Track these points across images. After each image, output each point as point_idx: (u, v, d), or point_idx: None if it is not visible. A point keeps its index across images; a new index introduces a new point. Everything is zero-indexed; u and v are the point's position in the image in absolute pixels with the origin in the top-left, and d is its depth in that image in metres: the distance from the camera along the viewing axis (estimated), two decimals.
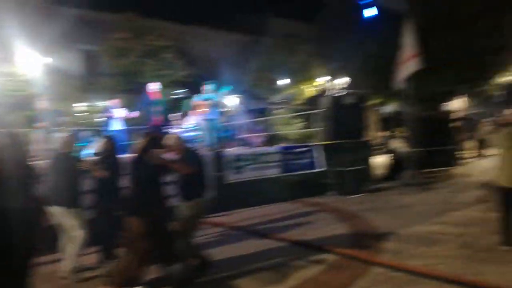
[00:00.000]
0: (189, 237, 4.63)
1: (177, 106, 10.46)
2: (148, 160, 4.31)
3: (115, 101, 11.43)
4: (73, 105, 17.61)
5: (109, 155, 5.42)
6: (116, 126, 10.83)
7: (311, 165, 10.36)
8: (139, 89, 20.34)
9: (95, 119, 17.83)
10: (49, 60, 17.80)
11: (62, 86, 17.62)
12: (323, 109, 11.78)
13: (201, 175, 4.76)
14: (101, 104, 19.83)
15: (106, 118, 11.17)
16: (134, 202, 4.36)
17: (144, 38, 19.10)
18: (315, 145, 10.71)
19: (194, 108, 10.84)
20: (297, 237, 6.24)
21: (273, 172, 9.69)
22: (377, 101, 25.11)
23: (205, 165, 4.96)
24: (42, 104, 9.67)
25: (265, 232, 6.80)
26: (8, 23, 16.48)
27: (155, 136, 4.71)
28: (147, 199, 4.29)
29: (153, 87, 10.27)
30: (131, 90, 18.92)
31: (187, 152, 4.73)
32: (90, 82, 20.23)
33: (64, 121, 10.12)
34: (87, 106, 19.29)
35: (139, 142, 4.63)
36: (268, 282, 4.49)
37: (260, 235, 6.67)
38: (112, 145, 5.55)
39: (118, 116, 10.90)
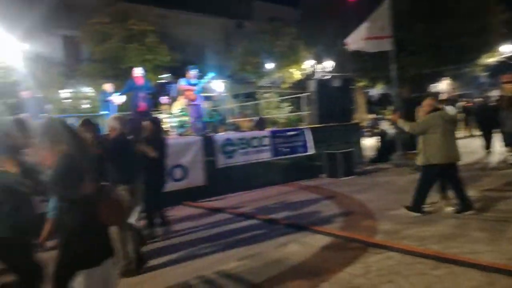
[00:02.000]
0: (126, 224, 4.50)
1: (163, 91, 10.23)
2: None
3: (109, 86, 11.08)
4: (58, 91, 17.21)
5: (155, 136, 5.75)
6: (110, 111, 10.57)
7: (302, 148, 10.35)
8: (123, 75, 20.00)
9: (80, 106, 17.53)
10: (28, 46, 17.30)
11: (43, 73, 17.19)
12: (310, 92, 11.75)
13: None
14: (85, 90, 19.47)
15: (103, 102, 10.84)
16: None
17: (125, 22, 18.64)
18: (305, 128, 10.68)
19: (180, 93, 10.65)
20: (290, 220, 6.23)
21: (263, 156, 9.64)
22: (364, 83, 25.18)
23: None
24: (25, 91, 9.37)
25: (256, 214, 6.77)
26: None
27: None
28: None
29: (138, 72, 9.98)
30: (115, 76, 18.57)
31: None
32: (72, 69, 19.77)
33: (49, 108, 9.81)
34: (71, 92, 18.90)
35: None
36: (262, 265, 4.46)
37: (251, 217, 6.65)
38: (157, 127, 5.95)
39: (119, 101, 10.57)
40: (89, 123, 5.10)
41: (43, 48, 18.90)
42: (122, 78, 19.86)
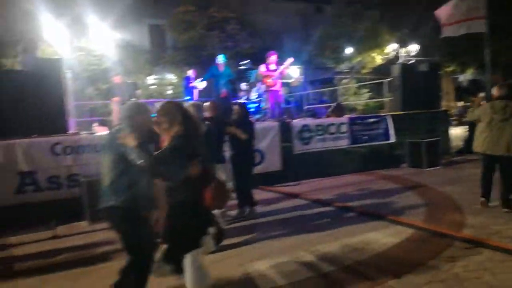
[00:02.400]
0: None
1: (242, 78, 10.43)
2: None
3: (191, 72, 11.60)
4: (145, 78, 18.28)
5: (243, 120, 6.05)
6: (190, 97, 11.10)
7: (382, 136, 9.97)
8: (205, 62, 20.69)
9: (165, 91, 18.51)
10: (118, 35, 18.56)
11: (132, 60, 18.36)
12: (393, 78, 11.24)
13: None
14: (169, 76, 20.50)
15: (186, 88, 11.41)
16: None
17: (207, 10, 19.18)
18: (386, 115, 10.27)
19: (259, 79, 10.80)
20: (369, 209, 6.09)
21: (341, 143, 9.46)
22: (452, 68, 23.50)
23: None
24: (116, 77, 10.10)
25: (333, 201, 6.71)
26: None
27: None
28: None
29: (220, 59, 10.31)
30: (197, 63, 19.27)
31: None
32: (157, 56, 20.84)
33: (138, 94, 10.49)
34: (156, 79, 20.00)
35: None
36: (342, 252, 4.42)
37: (327, 204, 6.60)
38: (245, 111, 6.24)
39: (201, 87, 11.07)
40: (197, 105, 5.37)
41: (132, 37, 20.17)
42: (203, 65, 20.65)
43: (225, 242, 4.70)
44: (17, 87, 6.58)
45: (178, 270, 3.13)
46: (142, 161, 2.84)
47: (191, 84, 11.23)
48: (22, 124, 6.57)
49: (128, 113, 3.14)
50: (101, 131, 8.65)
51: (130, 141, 2.89)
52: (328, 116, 10.71)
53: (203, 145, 3.20)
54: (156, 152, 2.95)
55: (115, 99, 9.85)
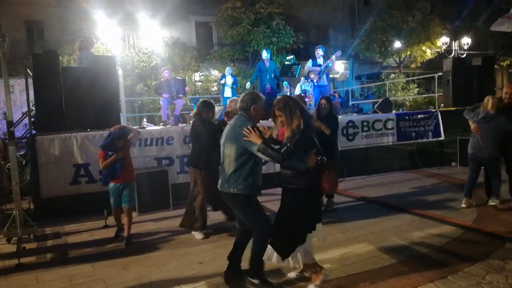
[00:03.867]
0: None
1: (287, 73, 10.42)
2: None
3: (226, 70, 11.89)
4: (191, 74, 18.71)
5: (329, 114, 6.05)
6: (227, 93, 11.26)
7: (431, 133, 9.62)
8: (251, 57, 20.86)
9: (211, 88, 18.87)
10: (167, 32, 19.10)
11: (180, 57, 18.84)
12: (444, 72, 10.81)
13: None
14: (214, 73, 20.85)
15: (220, 86, 11.68)
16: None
17: (254, 6, 19.28)
18: (436, 111, 9.90)
19: (304, 74, 10.75)
20: (415, 207, 5.92)
21: (388, 140, 9.23)
22: (508, 62, 22.20)
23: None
24: (164, 74, 10.40)
25: (377, 199, 6.58)
26: None
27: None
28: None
29: (265, 55, 10.38)
30: (242, 59, 19.50)
31: None
32: (204, 53, 21.24)
33: (187, 90, 10.76)
34: (202, 75, 20.42)
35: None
36: (387, 250, 4.35)
37: (371, 202, 6.49)
38: (331, 105, 6.21)
39: (229, 83, 11.31)
40: (208, 104, 5.44)
41: (179, 34, 20.69)
42: (248, 61, 20.84)
43: None
44: (74, 83, 6.93)
45: (285, 253, 3.51)
46: (268, 156, 3.27)
47: (222, 81, 11.46)
48: (78, 118, 6.93)
49: (245, 104, 3.49)
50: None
51: (256, 140, 3.27)
52: (374, 112, 10.48)
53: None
54: (283, 149, 3.32)
55: (164, 95, 10.15)
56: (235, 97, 7.36)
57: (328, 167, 3.48)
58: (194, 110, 5.59)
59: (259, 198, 3.62)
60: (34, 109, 7.08)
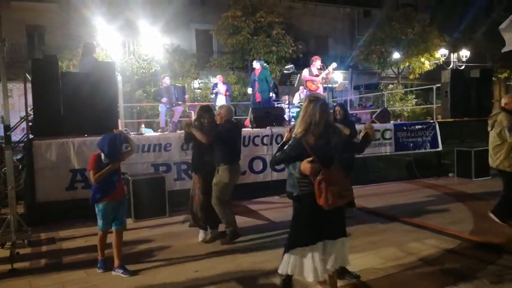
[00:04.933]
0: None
1: (286, 82, 10.45)
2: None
3: (219, 78, 11.97)
4: (191, 81, 18.74)
5: (346, 119, 6.09)
6: (220, 101, 11.32)
7: (429, 144, 9.64)
8: (250, 66, 20.92)
9: (210, 95, 18.90)
10: (167, 39, 19.15)
11: (179, 64, 18.89)
12: (442, 84, 10.87)
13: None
14: (214, 80, 20.92)
15: (213, 94, 11.75)
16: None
17: (254, 15, 19.39)
18: (434, 122, 9.93)
19: (302, 83, 10.78)
20: (412, 218, 5.91)
21: (386, 149, 9.24)
22: (506, 75, 22.33)
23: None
24: (165, 81, 10.43)
25: (374, 210, 6.56)
26: (132, 4, 18.01)
27: None
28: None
29: (255, 64, 10.43)
30: (242, 67, 19.56)
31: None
32: (203, 60, 21.32)
33: (186, 97, 10.80)
34: (201, 82, 20.46)
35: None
36: (383, 261, 4.33)
37: (369, 212, 6.47)
38: (346, 111, 6.34)
39: (222, 91, 11.40)
40: (208, 110, 5.48)
41: (179, 41, 20.76)
42: (248, 70, 20.89)
43: None
44: (73, 88, 6.93)
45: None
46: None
47: (214, 90, 11.60)
48: (76, 123, 6.92)
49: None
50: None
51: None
52: (372, 122, 10.50)
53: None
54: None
55: (163, 100, 10.17)
56: (225, 104, 7.37)
57: (329, 179, 3.15)
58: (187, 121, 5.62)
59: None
60: (32, 113, 7.07)
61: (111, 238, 4.35)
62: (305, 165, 3.15)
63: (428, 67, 21.64)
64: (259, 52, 18.64)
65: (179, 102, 10.32)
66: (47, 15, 23.46)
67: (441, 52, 20.45)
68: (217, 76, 12.23)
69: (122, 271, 4.23)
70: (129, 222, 6.27)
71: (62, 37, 22.21)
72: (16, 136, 8.60)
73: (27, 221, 5.51)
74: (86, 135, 6.89)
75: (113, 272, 4.24)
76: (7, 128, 5.36)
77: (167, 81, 10.51)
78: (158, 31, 17.52)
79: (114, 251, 4.31)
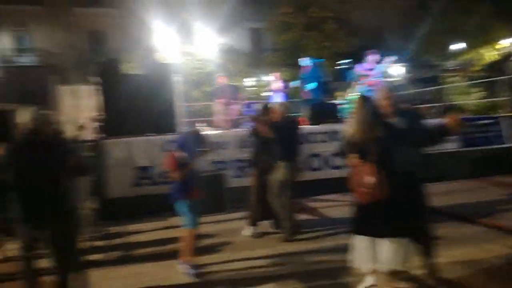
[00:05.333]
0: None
1: (340, 78, 10.31)
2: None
3: (276, 75, 11.94)
4: (244, 80, 18.95)
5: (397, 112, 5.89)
6: (277, 99, 11.32)
7: (496, 139, 9.10)
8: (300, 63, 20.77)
9: (262, 93, 19.02)
10: (221, 39, 19.50)
11: (233, 63, 19.16)
12: (510, 76, 10.22)
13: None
14: (266, 78, 21.00)
15: (269, 92, 11.77)
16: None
17: (307, 11, 19.24)
18: (501, 116, 9.35)
19: (358, 79, 10.55)
20: (483, 218, 5.62)
21: (451, 146, 8.81)
22: None
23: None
24: (220, 80, 10.62)
25: (441, 209, 6.29)
26: (188, 6, 18.50)
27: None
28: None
29: (304, 62, 10.36)
30: (295, 64, 19.46)
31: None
32: (256, 59, 21.47)
33: (242, 96, 10.95)
34: (255, 81, 20.62)
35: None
36: (454, 266, 4.16)
37: (436, 212, 6.21)
38: (395, 104, 6.01)
39: (278, 89, 11.39)
40: (267, 108, 5.52)
41: (233, 40, 21.06)
42: (300, 67, 20.77)
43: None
44: (134, 89, 7.27)
45: None
46: None
47: (271, 87, 11.55)
48: (138, 124, 7.25)
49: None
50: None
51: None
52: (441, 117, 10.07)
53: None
54: None
55: (219, 100, 10.36)
56: (282, 102, 7.37)
57: (357, 174, 3.21)
58: (253, 115, 5.70)
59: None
60: (100, 114, 7.48)
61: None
62: (349, 161, 3.36)
63: (492, 58, 20.38)
64: (312, 48, 18.47)
65: (234, 101, 10.47)
66: (107, 20, 24.69)
67: (506, 43, 19.20)
68: (273, 73, 12.21)
69: (189, 266, 4.27)
70: None
71: (121, 40, 23.27)
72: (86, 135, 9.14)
73: (99, 216, 5.86)
74: (148, 134, 7.20)
75: (179, 266, 4.33)
76: (80, 128, 5.74)
77: (222, 80, 10.70)
78: (212, 31, 17.92)
79: (184, 247, 4.32)
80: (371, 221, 3.23)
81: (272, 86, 11.67)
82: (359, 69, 9.90)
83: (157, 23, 15.69)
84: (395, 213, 3.17)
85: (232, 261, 4.59)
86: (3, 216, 4.62)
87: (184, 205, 4.24)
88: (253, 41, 24.40)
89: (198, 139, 4.46)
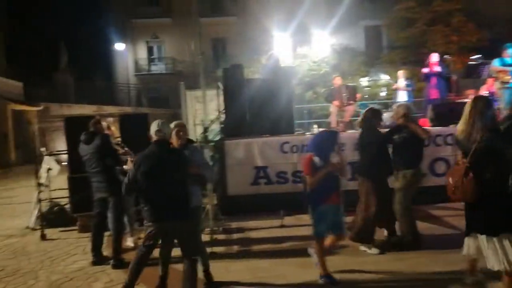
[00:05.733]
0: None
1: (472, 74, 9.41)
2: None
3: (400, 73, 11.39)
4: (360, 80, 18.48)
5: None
6: (401, 98, 10.79)
7: None
8: (423, 60, 19.53)
9: (380, 93, 18.32)
10: (335, 39, 19.32)
11: (348, 63, 18.82)
12: None
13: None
14: (383, 78, 20.15)
15: (394, 91, 11.28)
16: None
17: (429, 5, 18.02)
18: None
19: (492, 75, 9.52)
20: None
21: None
22: None
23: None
24: (336, 81, 10.54)
25: None
26: (305, 9, 18.71)
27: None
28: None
29: (434, 58, 9.63)
30: (415, 62, 18.36)
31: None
32: (373, 57, 20.76)
33: (357, 96, 10.72)
34: (369, 80, 19.95)
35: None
36: None
37: None
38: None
39: (403, 88, 10.86)
40: (375, 112, 5.24)
41: (348, 40, 20.68)
42: (422, 64, 19.52)
43: None
44: (255, 93, 7.64)
45: None
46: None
47: (394, 86, 10.98)
48: (258, 125, 7.59)
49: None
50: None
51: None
52: None
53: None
54: None
55: (335, 102, 10.30)
56: (403, 103, 6.98)
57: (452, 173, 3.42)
58: (360, 118, 5.43)
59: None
60: (223, 117, 8.02)
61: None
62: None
63: None
64: (436, 43, 17.20)
65: (351, 102, 10.29)
66: (227, 28, 26.27)
67: None
68: (398, 72, 11.67)
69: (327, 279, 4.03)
70: (306, 218, 6.57)
71: (240, 46, 24.53)
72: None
73: (220, 211, 6.28)
74: (267, 135, 7.48)
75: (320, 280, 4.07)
76: (205, 129, 6.22)
77: (338, 81, 10.60)
78: (327, 32, 17.86)
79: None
80: (474, 217, 3.38)
81: (396, 85, 11.18)
82: (495, 64, 8.94)
83: (274, 27, 16.19)
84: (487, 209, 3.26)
85: (347, 264, 4.54)
86: (137, 209, 5.31)
87: (319, 211, 4.06)
88: (368, 40, 23.66)
89: (335, 141, 4.18)
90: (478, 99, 3.54)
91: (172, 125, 3.99)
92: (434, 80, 9.58)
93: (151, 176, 3.56)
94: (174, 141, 3.93)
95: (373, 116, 5.13)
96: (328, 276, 4.04)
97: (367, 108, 5.43)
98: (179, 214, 3.58)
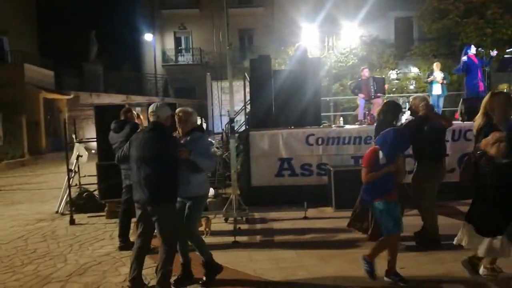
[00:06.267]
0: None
1: (507, 67, 9.09)
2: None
3: (436, 65, 11.06)
4: (389, 72, 18.12)
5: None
6: (436, 90, 10.51)
7: None
8: (458, 52, 18.96)
9: (409, 86, 17.93)
10: (364, 31, 18.93)
11: (376, 55, 18.45)
12: None
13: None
14: (413, 71, 19.69)
15: (428, 83, 10.97)
16: None
17: None
18: None
19: None
20: None
21: None
22: None
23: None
24: (364, 73, 10.37)
25: None
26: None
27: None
28: None
29: (473, 50, 9.30)
30: (448, 54, 17.86)
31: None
32: (403, 49, 20.28)
33: (385, 89, 10.52)
34: (399, 73, 19.52)
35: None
36: None
37: None
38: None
39: (438, 79, 10.54)
40: (394, 106, 5.05)
41: (377, 31, 20.24)
42: (455, 56, 18.95)
43: None
44: (282, 84, 7.59)
45: None
46: None
47: (429, 79, 10.64)
48: (283, 116, 7.56)
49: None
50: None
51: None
52: None
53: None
54: None
55: (361, 95, 10.14)
56: (420, 94, 6.83)
57: None
58: (378, 109, 5.21)
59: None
60: (248, 107, 8.02)
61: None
62: None
63: None
64: (470, 36, 16.64)
65: (379, 94, 10.12)
66: (254, 18, 26.14)
67: None
68: (434, 64, 11.33)
69: (368, 265, 3.87)
70: (330, 211, 6.55)
71: (267, 37, 24.42)
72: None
73: (244, 202, 6.31)
74: (292, 127, 7.44)
75: (362, 261, 3.92)
76: (232, 120, 6.24)
77: (366, 73, 10.43)
78: (356, 23, 17.51)
79: (376, 249, 3.96)
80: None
81: (432, 77, 10.89)
82: None
83: (302, 19, 16.01)
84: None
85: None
86: None
87: (379, 207, 3.85)
88: (400, 31, 23.08)
89: (406, 144, 4.07)
90: (500, 95, 3.81)
91: (177, 110, 4.01)
92: (479, 73, 9.26)
93: (134, 155, 3.67)
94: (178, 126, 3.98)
95: (389, 110, 4.94)
96: (396, 274, 3.87)
97: (387, 101, 5.31)
98: (153, 197, 3.59)
